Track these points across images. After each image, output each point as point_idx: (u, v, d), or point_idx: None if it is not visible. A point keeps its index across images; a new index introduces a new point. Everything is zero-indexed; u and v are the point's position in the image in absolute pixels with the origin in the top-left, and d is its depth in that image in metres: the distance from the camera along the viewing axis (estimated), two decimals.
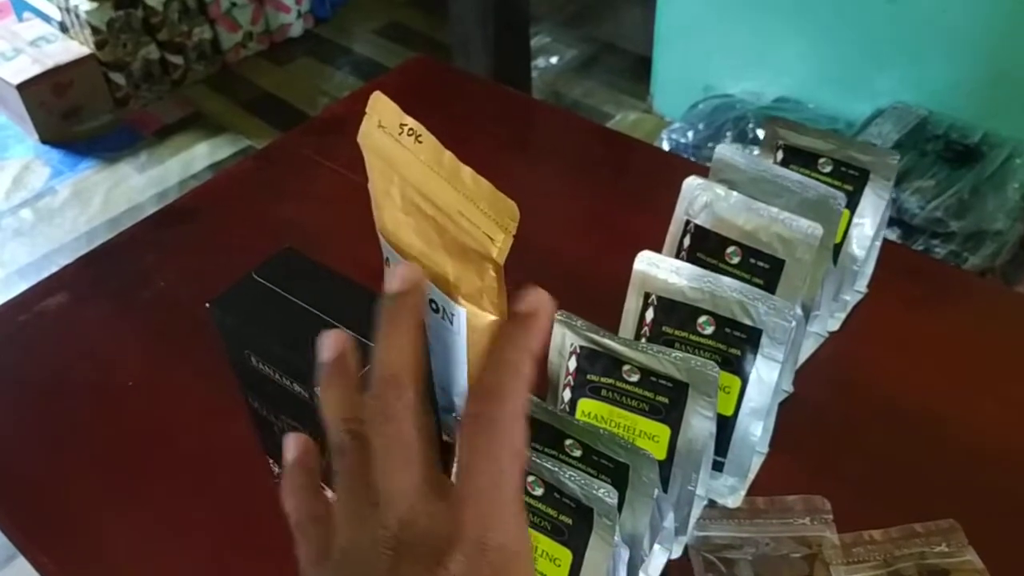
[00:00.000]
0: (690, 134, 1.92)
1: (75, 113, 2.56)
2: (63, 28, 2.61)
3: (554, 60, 2.70)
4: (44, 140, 2.55)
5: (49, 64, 2.48)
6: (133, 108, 2.67)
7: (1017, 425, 0.69)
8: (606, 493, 0.49)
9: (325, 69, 2.87)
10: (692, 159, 1.82)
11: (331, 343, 0.40)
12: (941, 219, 1.58)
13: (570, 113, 2.05)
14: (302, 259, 0.58)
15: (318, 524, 0.37)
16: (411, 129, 0.57)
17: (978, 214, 1.60)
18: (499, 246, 0.53)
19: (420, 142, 0.57)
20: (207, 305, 0.56)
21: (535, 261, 0.86)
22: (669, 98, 2.29)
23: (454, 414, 0.55)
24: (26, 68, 2.47)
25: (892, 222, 1.63)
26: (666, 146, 1.99)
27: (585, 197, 0.94)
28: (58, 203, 2.37)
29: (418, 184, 0.57)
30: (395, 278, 0.40)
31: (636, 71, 2.51)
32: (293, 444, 0.41)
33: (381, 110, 0.59)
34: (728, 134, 1.87)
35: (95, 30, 2.51)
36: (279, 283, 0.56)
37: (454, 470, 0.34)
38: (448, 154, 0.55)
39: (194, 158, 2.47)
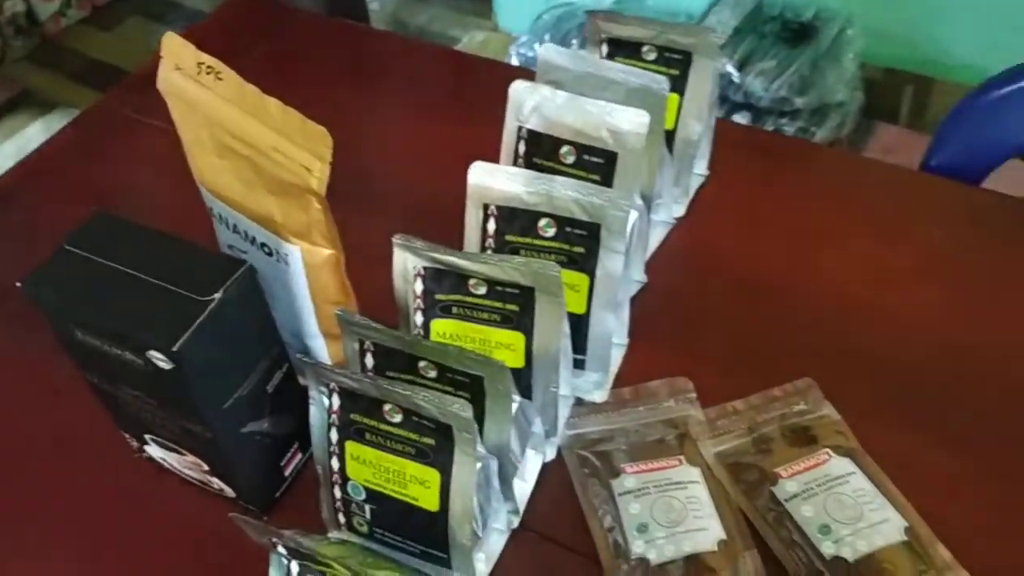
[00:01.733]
0: (537, 46, 1.90)
1: None
2: None
3: None
4: None
5: None
6: None
7: (857, 279, 0.71)
8: (460, 408, 0.49)
9: (157, 27, 2.72)
10: None
11: None
12: (786, 98, 1.62)
13: (403, 37, 2.01)
14: (115, 221, 0.55)
15: None
16: (209, 67, 0.54)
17: (820, 89, 1.64)
18: (317, 176, 0.51)
19: (220, 79, 0.54)
20: (18, 284, 0.52)
21: (380, 190, 0.85)
22: (513, 13, 2.27)
23: (304, 357, 0.53)
24: None
25: (741, 106, 1.67)
26: (515, 62, 1.97)
27: (425, 119, 0.91)
28: None
29: (226, 124, 0.54)
30: None
31: None
32: None
33: (176, 52, 0.56)
34: (574, 42, 1.86)
35: None
36: (93, 250, 0.53)
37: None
38: (251, 88, 0.52)
39: (28, 140, 2.32)
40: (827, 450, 0.60)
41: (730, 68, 1.64)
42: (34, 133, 2.35)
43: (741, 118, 1.67)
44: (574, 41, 1.87)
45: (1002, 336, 0.67)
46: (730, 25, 1.69)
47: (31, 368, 0.71)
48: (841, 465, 0.59)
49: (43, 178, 0.90)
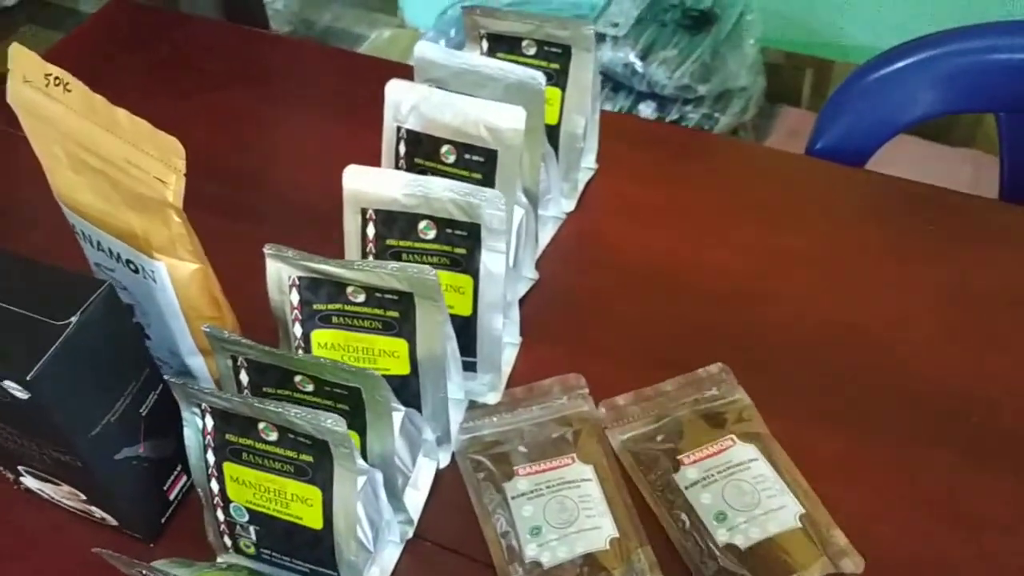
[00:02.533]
0: (443, 42, 1.88)
1: None
2: None
3: None
4: None
5: None
6: None
7: (745, 267, 0.72)
8: (334, 422, 0.47)
9: (53, 36, 2.62)
10: None
11: None
12: (689, 85, 1.63)
13: (299, 40, 1.98)
14: None
15: None
16: (57, 78, 0.52)
17: (722, 75, 1.66)
18: (173, 188, 0.49)
19: (69, 91, 0.51)
20: None
21: (263, 197, 0.82)
22: (419, 9, 2.24)
23: (172, 379, 0.51)
24: None
25: (646, 96, 1.68)
26: None
27: (315, 124, 0.89)
28: None
29: (78, 137, 0.51)
30: None
31: None
32: None
33: (23, 64, 0.53)
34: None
35: None
36: None
37: None
38: (99, 99, 0.50)
39: None
40: (732, 436, 0.60)
41: (633, 58, 1.64)
42: None
43: (646, 108, 1.67)
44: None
45: (893, 317, 0.68)
46: (631, 15, 1.70)
47: None
48: (745, 452, 0.59)
49: None
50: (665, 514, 0.57)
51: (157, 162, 0.49)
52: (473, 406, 0.63)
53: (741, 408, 0.62)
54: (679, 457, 0.59)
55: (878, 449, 0.61)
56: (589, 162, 0.77)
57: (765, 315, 0.69)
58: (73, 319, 0.47)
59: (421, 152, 0.65)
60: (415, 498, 0.59)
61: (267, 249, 0.55)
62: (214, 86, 0.93)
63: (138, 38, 1.01)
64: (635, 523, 0.57)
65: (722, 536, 0.55)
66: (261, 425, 0.50)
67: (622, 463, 0.60)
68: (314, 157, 0.85)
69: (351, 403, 0.51)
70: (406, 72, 0.69)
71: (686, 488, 0.58)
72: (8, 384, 0.47)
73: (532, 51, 0.70)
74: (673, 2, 1.73)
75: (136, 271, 0.55)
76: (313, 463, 0.50)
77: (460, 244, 0.59)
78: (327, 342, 0.57)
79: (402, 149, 0.66)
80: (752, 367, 0.64)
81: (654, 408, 0.62)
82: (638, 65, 1.63)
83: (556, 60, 0.70)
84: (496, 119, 0.61)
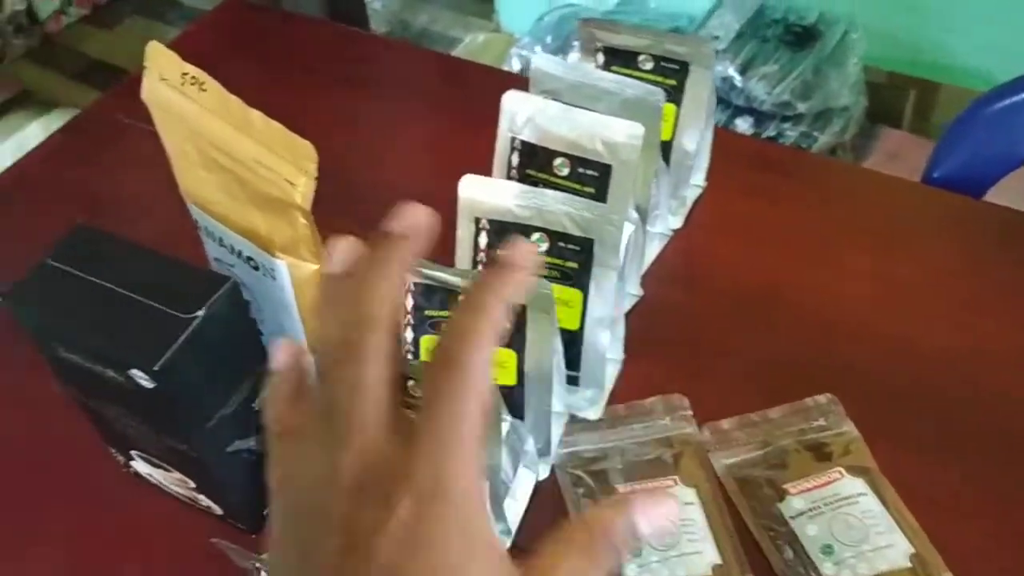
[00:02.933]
0: (538, 48, 1.89)
1: None
2: None
3: None
4: None
5: None
6: None
7: (858, 294, 0.70)
8: None
9: (156, 27, 2.71)
10: None
11: (339, 250, 0.37)
12: (788, 102, 1.60)
13: (401, 42, 2.00)
14: (98, 235, 0.54)
15: (288, 442, 0.35)
16: (193, 77, 0.53)
17: (823, 93, 1.63)
18: (301, 191, 0.50)
19: (204, 90, 0.52)
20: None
21: (372, 201, 0.83)
22: (515, 14, 2.26)
23: None
24: None
25: (743, 111, 1.66)
26: (516, 64, 1.96)
27: (421, 128, 0.90)
28: None
29: (210, 136, 0.53)
30: (408, 214, 0.37)
31: None
32: (280, 350, 0.39)
33: (160, 62, 0.55)
34: (575, 43, 1.84)
35: None
36: (75, 265, 0.52)
37: None
38: (235, 99, 0.51)
39: (27, 139, 2.32)
40: (839, 469, 0.59)
41: (732, 72, 1.63)
42: (33, 132, 2.34)
43: (743, 123, 1.65)
44: (575, 43, 1.85)
45: (1012, 353, 0.66)
46: (732, 29, 1.68)
47: (17, 378, 0.70)
48: (853, 485, 0.58)
49: (34, 183, 0.89)
50: (768, 543, 0.56)
51: (288, 164, 0.49)
52: (573, 420, 0.63)
53: (849, 441, 0.61)
54: (784, 486, 0.58)
55: (992, 487, 0.59)
56: (698, 179, 0.76)
57: (876, 345, 0.67)
58: (200, 312, 0.49)
59: (534, 164, 0.65)
60: (514, 508, 0.59)
61: None
62: (322, 86, 0.95)
63: (249, 37, 1.04)
64: (738, 551, 0.56)
65: (828, 570, 0.54)
66: None
67: (725, 488, 0.59)
68: (419, 161, 0.86)
69: None
70: (507, 79, 0.69)
71: (791, 518, 0.57)
72: (135, 373, 0.48)
73: (649, 66, 0.70)
74: (776, 17, 1.71)
75: (256, 268, 0.56)
76: None
77: (572, 258, 0.59)
78: None
79: (515, 160, 0.66)
80: (861, 398, 0.63)
81: (759, 434, 0.61)
82: (737, 79, 1.61)
83: (673, 76, 0.69)
84: (613, 134, 0.61)
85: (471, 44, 2.33)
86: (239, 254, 0.57)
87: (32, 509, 0.64)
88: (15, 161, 0.92)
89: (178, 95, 0.54)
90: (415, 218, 0.37)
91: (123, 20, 2.75)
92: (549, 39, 1.91)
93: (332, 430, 0.34)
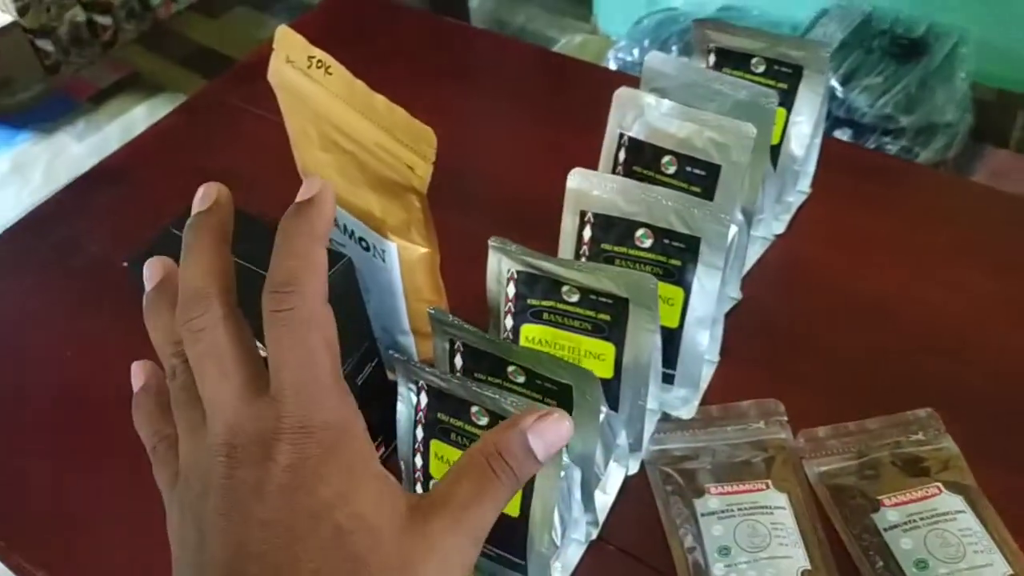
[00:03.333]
0: (636, 51, 1.89)
1: (5, 85, 2.47)
2: None
3: None
4: None
5: None
6: (65, 75, 2.58)
7: (964, 310, 0.69)
8: None
9: (261, 17, 2.79)
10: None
11: (152, 271, 0.41)
12: (891, 115, 1.57)
13: (505, 37, 2.01)
14: None
15: (169, 447, 0.38)
16: (320, 61, 0.55)
17: (927, 107, 1.59)
18: (420, 175, 0.51)
19: (330, 74, 0.54)
20: (124, 264, 0.54)
21: (476, 191, 0.85)
22: (613, 16, 2.25)
23: (395, 354, 0.54)
24: None
25: (843, 122, 1.62)
26: (613, 66, 1.96)
27: (524, 121, 0.91)
28: None
29: (332, 119, 0.54)
30: (198, 198, 0.41)
31: None
32: (138, 371, 0.42)
33: (288, 44, 0.57)
34: (674, 47, 1.84)
35: None
36: None
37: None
38: (360, 83, 0.53)
39: (134, 121, 2.41)
40: (938, 484, 0.58)
41: (834, 82, 1.60)
42: (140, 115, 2.43)
43: (842, 134, 1.62)
44: (674, 47, 1.85)
45: None
46: (836, 38, 1.65)
47: (142, 341, 0.73)
48: (951, 501, 0.57)
49: (150, 160, 0.93)
50: (860, 554, 0.55)
51: (408, 149, 0.51)
52: (666, 418, 0.63)
53: (948, 457, 0.60)
54: (879, 498, 0.57)
55: None
56: (804, 186, 0.75)
57: (979, 361, 0.65)
58: None
59: (641, 161, 0.65)
60: (603, 501, 0.59)
61: (492, 241, 0.57)
62: (429, 79, 0.97)
63: (358, 29, 1.06)
64: (827, 558, 0.55)
65: None
66: (474, 409, 0.51)
67: (817, 496, 0.59)
68: (522, 155, 0.87)
69: (560, 399, 0.52)
70: (612, 76, 0.69)
71: (885, 530, 0.56)
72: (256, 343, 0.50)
73: (761, 68, 0.69)
74: (882, 27, 1.67)
75: (367, 249, 0.58)
76: None
77: (676, 256, 0.59)
78: (535, 337, 0.59)
79: (621, 156, 0.66)
80: (961, 415, 0.61)
81: (855, 444, 0.60)
82: (839, 90, 1.58)
83: (785, 80, 0.69)
84: (724, 135, 0.61)
85: (567, 45, 2.33)
86: (351, 234, 0.59)
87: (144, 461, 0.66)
88: (129, 140, 0.96)
89: (303, 77, 0.55)
90: (209, 193, 0.41)
91: (230, 9, 2.83)
92: (647, 42, 1.91)
93: (196, 417, 0.36)
